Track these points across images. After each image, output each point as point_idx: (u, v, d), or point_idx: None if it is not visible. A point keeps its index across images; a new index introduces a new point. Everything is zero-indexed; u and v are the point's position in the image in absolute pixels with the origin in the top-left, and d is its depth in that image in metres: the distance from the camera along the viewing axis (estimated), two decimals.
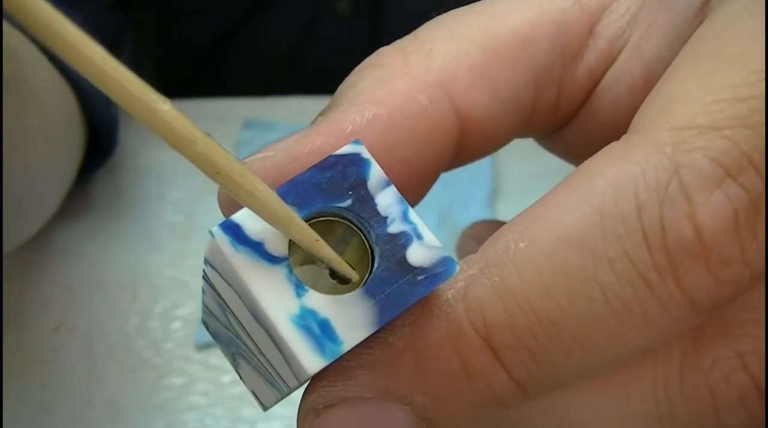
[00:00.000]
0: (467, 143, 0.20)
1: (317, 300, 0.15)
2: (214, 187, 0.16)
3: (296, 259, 0.16)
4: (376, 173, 0.16)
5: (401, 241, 0.16)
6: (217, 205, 0.18)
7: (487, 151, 0.21)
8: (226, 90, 0.58)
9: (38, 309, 0.47)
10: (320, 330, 0.15)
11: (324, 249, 0.16)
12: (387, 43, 0.20)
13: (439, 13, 0.20)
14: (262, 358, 0.17)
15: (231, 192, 0.14)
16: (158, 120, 0.13)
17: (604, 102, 0.20)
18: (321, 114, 0.19)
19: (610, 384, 0.16)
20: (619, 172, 0.15)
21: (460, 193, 0.51)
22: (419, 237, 0.16)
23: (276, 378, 0.17)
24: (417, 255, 0.16)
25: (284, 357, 0.15)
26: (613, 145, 0.16)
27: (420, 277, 0.15)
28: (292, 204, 0.16)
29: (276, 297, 0.15)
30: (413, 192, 0.19)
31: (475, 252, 0.16)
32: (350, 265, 0.16)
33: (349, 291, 0.15)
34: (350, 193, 0.16)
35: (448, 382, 0.15)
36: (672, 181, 0.15)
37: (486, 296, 0.15)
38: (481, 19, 0.20)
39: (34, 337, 0.46)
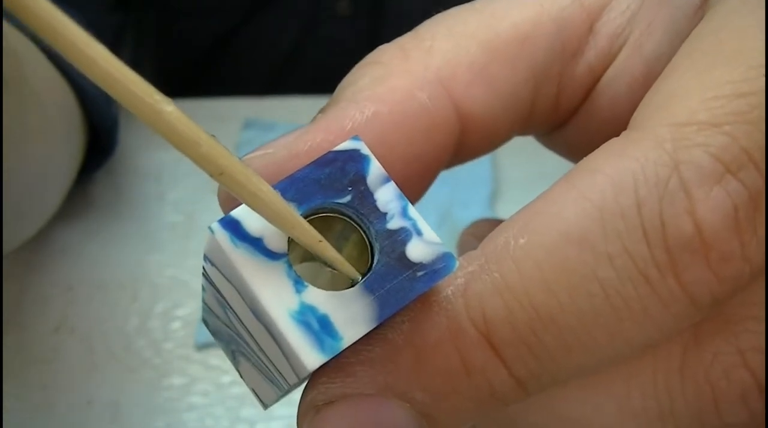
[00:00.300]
0: (467, 141, 0.20)
1: (317, 296, 0.15)
2: (214, 186, 0.16)
3: (296, 255, 0.16)
4: (375, 169, 0.16)
5: (401, 237, 0.16)
6: (217, 205, 0.18)
7: (487, 148, 0.21)
8: (226, 90, 0.58)
9: (38, 309, 0.47)
10: (320, 326, 0.15)
11: (327, 250, 0.16)
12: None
13: (439, 12, 0.20)
14: (261, 355, 0.17)
15: (234, 193, 0.14)
16: (162, 121, 0.13)
17: (604, 99, 0.20)
18: (321, 111, 0.19)
19: (611, 380, 0.16)
20: (618, 168, 0.15)
21: (461, 194, 0.51)
22: (419, 233, 0.16)
23: (276, 375, 0.16)
24: (417, 251, 0.16)
25: (284, 354, 0.15)
26: (613, 141, 0.16)
27: (420, 273, 0.15)
28: (291, 200, 0.16)
29: (275, 293, 0.15)
30: (413, 189, 0.19)
31: (475, 249, 0.16)
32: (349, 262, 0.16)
33: (349, 287, 0.15)
34: (350, 188, 0.16)
35: (447, 379, 0.15)
36: (672, 177, 0.15)
37: (486, 292, 0.15)
38: (480, 17, 0.20)
39: (34, 337, 0.46)
